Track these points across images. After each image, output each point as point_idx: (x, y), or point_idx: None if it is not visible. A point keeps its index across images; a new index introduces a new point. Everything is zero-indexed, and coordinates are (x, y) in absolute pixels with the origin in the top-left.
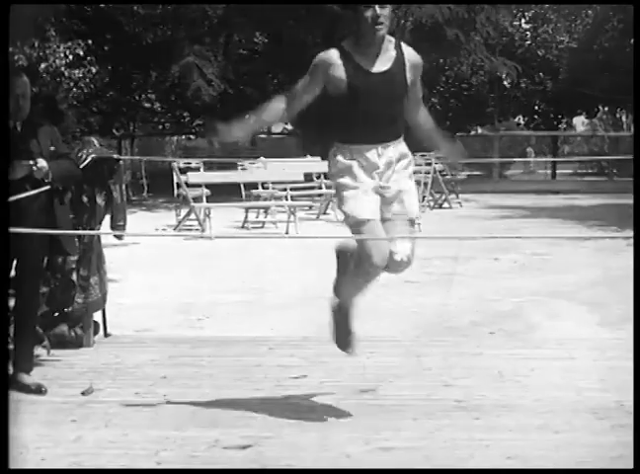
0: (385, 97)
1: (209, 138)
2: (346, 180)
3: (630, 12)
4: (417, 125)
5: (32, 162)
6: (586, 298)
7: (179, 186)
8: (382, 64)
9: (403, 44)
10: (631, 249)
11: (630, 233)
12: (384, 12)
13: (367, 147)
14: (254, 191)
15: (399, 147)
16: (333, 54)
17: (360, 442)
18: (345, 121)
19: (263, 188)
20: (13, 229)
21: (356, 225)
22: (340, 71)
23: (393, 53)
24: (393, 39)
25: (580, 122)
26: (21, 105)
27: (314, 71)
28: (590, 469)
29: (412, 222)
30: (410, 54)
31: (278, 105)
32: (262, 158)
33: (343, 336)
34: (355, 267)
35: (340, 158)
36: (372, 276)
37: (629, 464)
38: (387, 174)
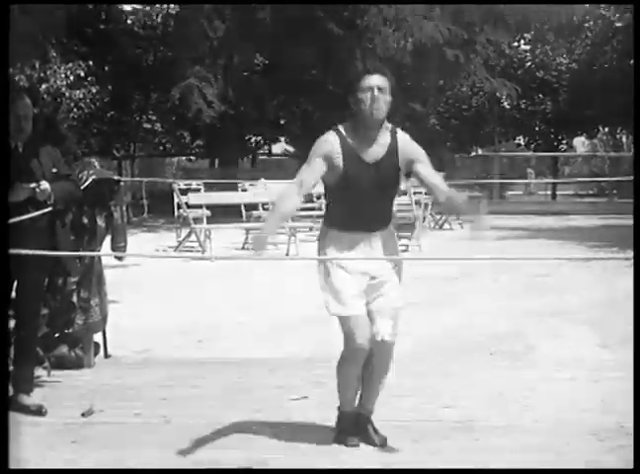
0: (376, 185)
1: (256, 251)
2: (332, 268)
3: (629, 33)
4: (443, 206)
5: (34, 184)
6: (586, 319)
7: (179, 207)
8: (376, 153)
9: (399, 132)
10: (631, 270)
11: (631, 254)
12: (383, 96)
13: (354, 236)
14: (254, 212)
15: (386, 234)
16: (333, 140)
17: (361, 463)
18: (336, 207)
19: (263, 209)
20: (13, 251)
21: (341, 318)
22: (339, 158)
23: (388, 141)
24: (390, 127)
25: (580, 143)
26: (22, 126)
27: (316, 155)
28: (590, 469)
29: (397, 312)
30: (404, 142)
31: (292, 202)
32: (262, 179)
33: (346, 436)
34: (342, 356)
35: (327, 245)
36: (358, 360)
37: None
38: (373, 265)
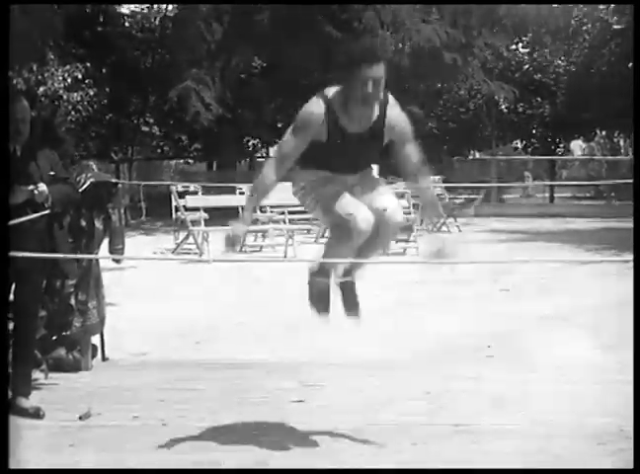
0: (357, 154)
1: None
2: (315, 188)
3: (627, 36)
4: (411, 181)
5: (32, 186)
6: (585, 322)
7: (177, 209)
8: (362, 125)
9: (390, 103)
10: (630, 273)
11: (629, 257)
12: (376, 89)
13: (334, 175)
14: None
15: (369, 176)
16: (320, 114)
17: (361, 463)
18: (314, 162)
19: (261, 211)
20: (13, 253)
21: (328, 206)
22: (323, 130)
23: (376, 113)
24: (381, 98)
25: (577, 147)
26: (20, 129)
27: (301, 131)
28: (590, 469)
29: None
30: (392, 114)
31: (269, 177)
32: None
33: (318, 303)
34: (337, 240)
35: (305, 173)
36: (353, 240)
37: None
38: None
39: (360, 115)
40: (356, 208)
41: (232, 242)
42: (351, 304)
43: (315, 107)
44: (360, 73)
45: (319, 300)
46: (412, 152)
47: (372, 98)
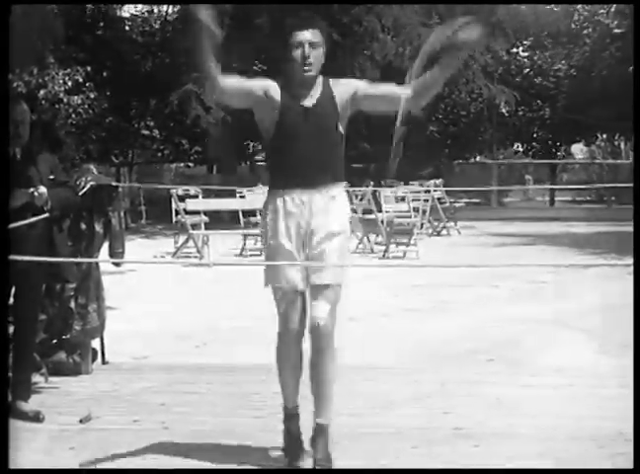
0: (314, 133)
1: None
2: (270, 238)
3: (627, 39)
4: (416, 98)
5: (32, 189)
6: (585, 326)
7: (177, 213)
8: (311, 98)
9: (333, 80)
10: (630, 276)
11: (629, 260)
12: (314, 52)
13: (296, 192)
14: (252, 218)
15: (330, 195)
16: (274, 84)
17: (359, 465)
18: (274, 163)
19: (261, 215)
20: (13, 257)
21: (273, 290)
22: (275, 102)
23: (320, 89)
24: (322, 79)
25: (578, 150)
26: (20, 132)
27: (255, 80)
28: (590, 469)
29: (333, 288)
30: (338, 82)
31: (217, 69)
32: (260, 185)
33: (291, 445)
34: (278, 335)
35: (268, 209)
36: (292, 340)
37: None
38: (312, 223)
39: (304, 82)
40: (288, 303)
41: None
42: (319, 451)
43: (269, 80)
44: (294, 38)
45: (292, 447)
46: (386, 84)
47: (309, 62)
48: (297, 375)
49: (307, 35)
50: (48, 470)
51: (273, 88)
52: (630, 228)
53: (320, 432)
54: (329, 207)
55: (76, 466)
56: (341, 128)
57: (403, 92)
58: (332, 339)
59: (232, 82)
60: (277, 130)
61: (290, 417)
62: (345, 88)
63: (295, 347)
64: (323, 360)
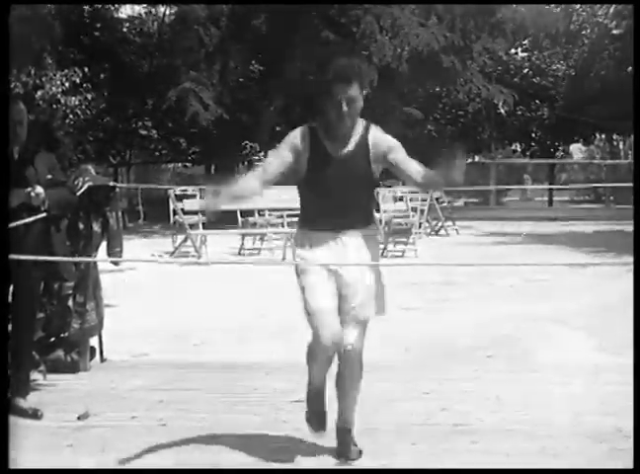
0: (346, 181)
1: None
2: (303, 272)
3: (626, 40)
4: (420, 185)
5: (29, 189)
6: (583, 324)
7: (175, 213)
8: (345, 147)
9: (372, 127)
10: (628, 275)
11: (627, 259)
12: (353, 106)
13: (325, 235)
14: (250, 218)
15: (362, 237)
16: (304, 131)
17: (359, 463)
18: (306, 207)
19: (259, 215)
20: (12, 256)
21: (308, 314)
22: (305, 153)
23: (358, 136)
24: (364, 123)
25: (577, 150)
26: (17, 132)
27: (283, 145)
28: (590, 469)
29: (363, 321)
30: (375, 136)
31: (252, 182)
32: None
33: (313, 416)
34: (309, 348)
35: (299, 249)
36: (323, 358)
37: None
38: (344, 259)
39: (340, 133)
40: (323, 323)
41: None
42: (343, 450)
43: (298, 129)
44: (333, 91)
45: (314, 417)
46: (411, 161)
47: (347, 115)
48: (326, 370)
49: (346, 90)
50: (48, 470)
51: (301, 144)
52: (628, 227)
53: (345, 432)
54: (360, 248)
55: (75, 463)
56: (374, 174)
57: (418, 176)
58: (360, 359)
59: (269, 176)
60: (307, 176)
61: (316, 391)
62: (381, 141)
63: (328, 359)
64: (350, 375)
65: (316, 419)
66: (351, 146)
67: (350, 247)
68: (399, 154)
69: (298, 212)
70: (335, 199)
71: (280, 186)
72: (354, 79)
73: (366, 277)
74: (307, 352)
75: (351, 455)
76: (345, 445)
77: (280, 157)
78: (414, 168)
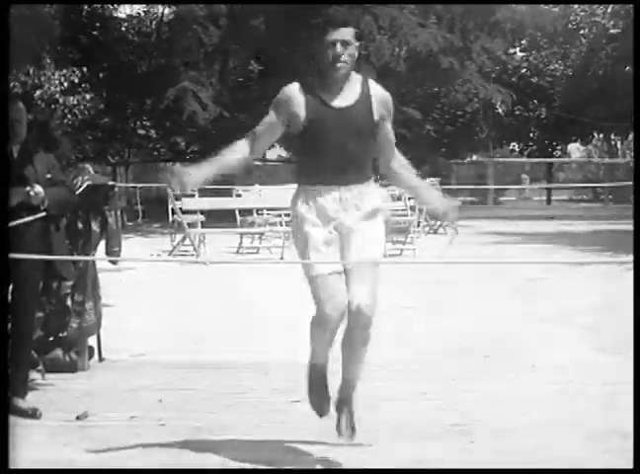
0: (348, 133)
1: (168, 185)
2: (300, 229)
3: (623, 40)
4: (391, 172)
5: (28, 188)
6: (581, 323)
7: (174, 212)
8: (346, 100)
9: (371, 81)
10: (626, 274)
11: (625, 258)
12: (347, 50)
13: (327, 189)
14: (249, 217)
15: (365, 192)
16: (294, 88)
17: (357, 465)
18: (305, 161)
19: (257, 214)
20: (12, 255)
21: (309, 280)
22: (300, 105)
23: (358, 90)
24: (360, 77)
25: (574, 149)
26: (17, 130)
27: (275, 107)
28: (590, 469)
29: (372, 268)
30: (377, 91)
31: (240, 148)
32: (256, 185)
33: (317, 399)
34: (313, 320)
35: (298, 203)
36: (327, 328)
37: None
38: (347, 217)
39: (335, 80)
40: (326, 290)
41: (178, 181)
42: (344, 427)
43: (289, 85)
44: (327, 37)
45: (318, 401)
46: (391, 133)
47: (343, 60)
48: (330, 342)
49: (340, 33)
50: (48, 470)
51: (294, 100)
52: (627, 226)
53: (344, 403)
54: (362, 204)
55: (73, 463)
56: (376, 129)
57: (394, 160)
58: (371, 321)
59: (261, 141)
60: (306, 131)
61: (317, 371)
62: (385, 101)
63: (332, 332)
64: (360, 339)
65: (319, 402)
66: (352, 99)
67: (352, 205)
68: (388, 126)
69: (296, 169)
70: (336, 154)
71: (279, 185)
72: (348, 23)
73: (373, 228)
74: (311, 321)
75: (344, 432)
76: (345, 418)
77: (267, 122)
78: (391, 150)
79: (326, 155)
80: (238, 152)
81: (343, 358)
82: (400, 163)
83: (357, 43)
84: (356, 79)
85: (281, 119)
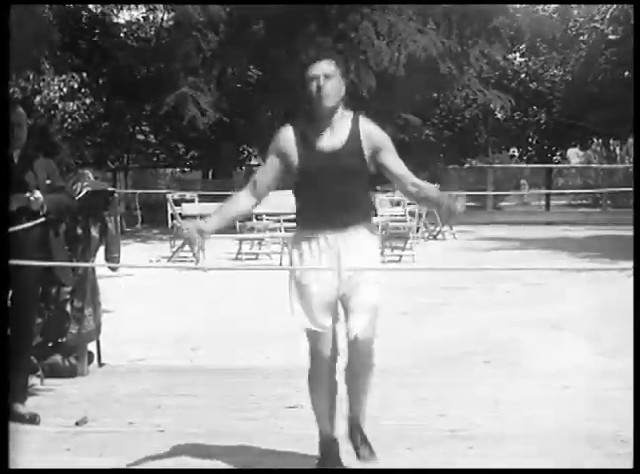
0: (338, 176)
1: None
2: (297, 276)
3: (622, 45)
4: (411, 197)
5: (28, 194)
6: (580, 328)
7: (173, 217)
8: (334, 140)
9: (361, 118)
10: (625, 280)
11: (624, 264)
12: (330, 83)
13: (324, 232)
14: (248, 222)
15: (361, 233)
16: (288, 136)
17: (358, 466)
18: (301, 206)
19: (257, 219)
20: (12, 261)
21: (307, 332)
22: (293, 154)
23: (348, 128)
24: (351, 114)
25: (574, 155)
26: (16, 134)
27: (270, 153)
28: (590, 469)
29: (372, 308)
30: (367, 128)
31: (243, 200)
32: None
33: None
34: (309, 374)
35: (295, 248)
36: (322, 375)
37: None
38: (343, 261)
39: (321, 116)
40: (321, 341)
41: (190, 242)
42: (363, 452)
43: (282, 130)
44: (308, 73)
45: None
46: (400, 162)
47: (327, 94)
48: (333, 403)
49: (321, 67)
50: (48, 470)
51: (288, 146)
52: (626, 232)
53: (356, 430)
54: (360, 248)
55: (72, 467)
56: (369, 168)
57: (408, 182)
58: (370, 350)
59: (261, 188)
60: (300, 174)
61: (327, 446)
62: (375, 136)
63: (328, 373)
64: (361, 371)
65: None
66: (341, 141)
67: (350, 248)
68: (391, 156)
69: (296, 217)
70: (330, 197)
71: (278, 191)
72: (330, 58)
73: (370, 276)
74: (308, 381)
75: (364, 454)
76: (358, 443)
77: (266, 169)
78: (406, 175)
79: (319, 200)
80: (241, 204)
81: (348, 392)
82: (415, 186)
83: (340, 77)
84: (345, 116)
85: (278, 164)
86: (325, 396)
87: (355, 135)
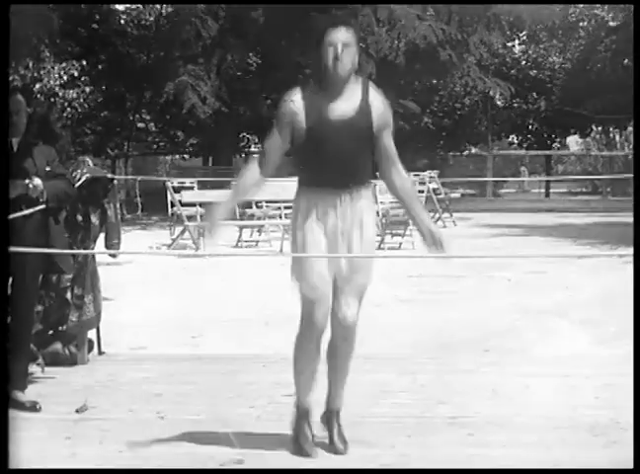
0: (346, 142)
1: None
2: (299, 232)
3: (622, 33)
4: (392, 187)
5: (27, 181)
6: (580, 316)
7: (173, 205)
8: (345, 109)
9: (371, 87)
10: (625, 267)
11: (624, 251)
12: (348, 52)
13: (325, 190)
14: (248, 210)
15: (360, 196)
16: (296, 100)
17: (355, 458)
18: (305, 165)
19: (257, 207)
20: (12, 249)
21: (302, 295)
22: (301, 120)
23: (359, 97)
24: (361, 81)
25: (573, 142)
26: (15, 121)
27: (279, 123)
28: (590, 469)
29: (363, 291)
30: (377, 101)
31: (252, 175)
32: None
33: (301, 441)
34: (297, 337)
35: (299, 203)
36: (313, 338)
37: None
38: (344, 219)
39: (335, 83)
40: (317, 296)
41: (211, 235)
42: (338, 443)
43: (290, 95)
44: (327, 37)
45: (302, 443)
46: (390, 146)
47: (344, 62)
48: (313, 370)
49: (340, 34)
50: (48, 470)
51: (296, 112)
52: (626, 219)
53: (333, 415)
54: (359, 208)
55: (73, 456)
56: (373, 138)
57: (396, 175)
58: (355, 333)
59: (270, 161)
60: (307, 140)
61: (302, 414)
62: (384, 112)
63: (317, 342)
64: (345, 351)
65: (300, 442)
66: (351, 111)
67: (349, 210)
68: (389, 137)
69: (298, 176)
70: (334, 160)
71: (278, 178)
72: (350, 25)
73: (367, 245)
74: (296, 346)
75: (337, 448)
76: (336, 430)
77: (275, 139)
78: (393, 162)
79: (325, 161)
80: (250, 178)
81: (329, 371)
82: (400, 180)
83: (357, 46)
84: (356, 83)
85: (286, 133)
86: (309, 366)
87: (365, 107)
